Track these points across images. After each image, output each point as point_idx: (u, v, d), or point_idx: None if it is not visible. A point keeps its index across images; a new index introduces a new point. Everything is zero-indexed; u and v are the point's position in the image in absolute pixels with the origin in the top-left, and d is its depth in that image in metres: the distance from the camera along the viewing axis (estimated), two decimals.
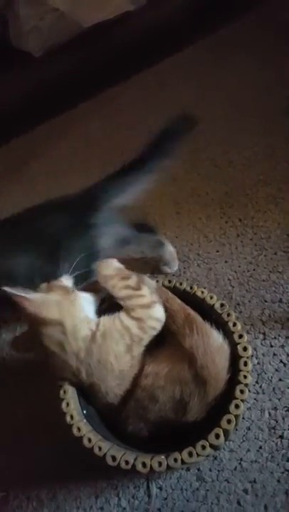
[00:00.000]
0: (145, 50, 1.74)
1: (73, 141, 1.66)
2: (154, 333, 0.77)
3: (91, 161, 1.53)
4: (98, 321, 0.76)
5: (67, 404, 0.77)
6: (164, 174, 0.99)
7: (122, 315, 0.75)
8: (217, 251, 1.12)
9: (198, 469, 0.84)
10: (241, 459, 0.82)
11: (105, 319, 0.76)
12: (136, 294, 0.77)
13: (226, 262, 1.09)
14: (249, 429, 0.84)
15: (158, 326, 0.76)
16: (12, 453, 0.97)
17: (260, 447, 0.82)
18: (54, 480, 0.91)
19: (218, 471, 0.82)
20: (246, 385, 0.71)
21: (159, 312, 0.77)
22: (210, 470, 0.83)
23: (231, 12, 1.71)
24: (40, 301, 0.75)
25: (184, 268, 1.12)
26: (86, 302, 0.80)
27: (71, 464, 0.89)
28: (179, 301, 0.81)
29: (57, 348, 0.74)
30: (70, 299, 0.77)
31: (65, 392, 0.78)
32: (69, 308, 0.76)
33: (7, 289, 0.73)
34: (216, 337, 0.75)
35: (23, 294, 0.73)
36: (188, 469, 0.84)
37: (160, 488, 0.84)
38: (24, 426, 0.99)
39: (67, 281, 0.81)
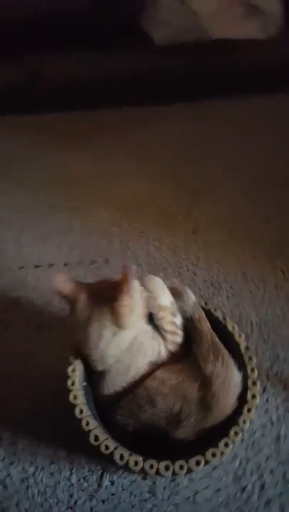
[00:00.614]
0: (259, 78, 1.70)
1: (152, 135, 1.63)
2: None
3: (154, 165, 1.51)
4: (140, 333, 0.76)
5: (73, 370, 0.75)
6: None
7: (162, 344, 0.78)
8: (250, 292, 1.08)
9: (154, 482, 0.80)
10: (197, 492, 0.79)
11: (146, 335, 0.77)
12: (177, 332, 0.78)
13: (254, 305, 1.05)
14: (216, 468, 0.80)
15: None
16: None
17: (219, 489, 0.79)
18: (23, 428, 0.88)
19: (172, 493, 0.79)
20: (242, 430, 0.67)
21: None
22: (164, 488, 0.79)
23: None
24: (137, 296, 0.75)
25: (214, 294, 1.08)
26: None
27: (47, 421, 0.88)
28: (209, 325, 0.78)
29: (99, 340, 0.74)
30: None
31: (74, 358, 0.77)
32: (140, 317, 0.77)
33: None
34: (237, 375, 0.73)
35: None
36: (144, 478, 0.80)
37: (112, 483, 0.81)
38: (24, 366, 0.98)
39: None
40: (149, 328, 0.79)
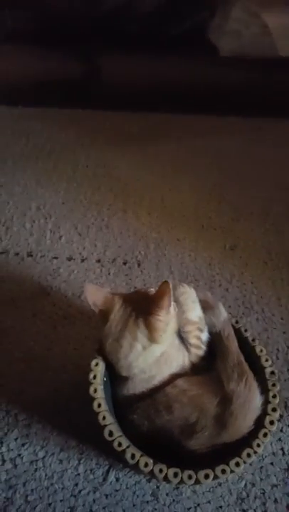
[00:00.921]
0: None
1: (206, 146, 1.67)
2: None
3: (202, 177, 1.56)
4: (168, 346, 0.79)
5: (97, 364, 0.80)
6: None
7: (186, 356, 0.81)
8: (282, 318, 1.11)
9: (158, 487, 0.84)
10: (198, 505, 0.83)
11: (173, 347, 0.80)
12: (201, 347, 0.82)
13: (284, 332, 1.08)
14: (220, 485, 0.84)
15: None
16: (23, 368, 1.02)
17: (221, 507, 0.82)
18: (38, 412, 0.94)
19: (174, 500, 0.83)
20: (255, 452, 0.71)
21: None
22: (167, 494, 0.84)
23: None
24: (173, 312, 0.78)
25: (243, 314, 1.12)
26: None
27: (63, 409, 0.94)
28: (236, 344, 0.81)
29: (129, 351, 0.77)
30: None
31: (98, 352, 0.81)
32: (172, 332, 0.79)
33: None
34: (258, 398, 0.75)
35: None
36: (149, 480, 0.85)
37: (117, 479, 0.85)
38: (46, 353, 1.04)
39: None
40: (176, 341, 0.81)
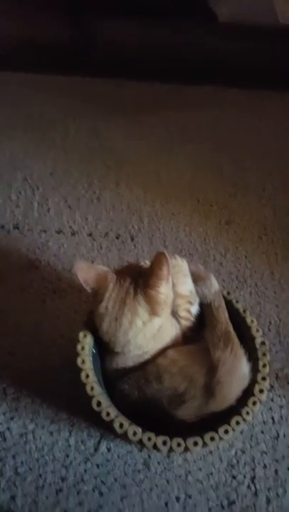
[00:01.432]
0: None
1: (203, 118, 1.70)
2: None
3: (200, 150, 1.58)
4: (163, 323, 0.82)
5: (85, 335, 0.84)
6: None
7: (179, 329, 0.86)
8: (274, 292, 1.16)
9: (149, 456, 0.90)
10: (189, 472, 0.89)
11: (166, 322, 0.83)
12: (190, 319, 0.87)
13: (276, 306, 1.14)
14: (211, 453, 0.91)
15: None
16: None
17: (211, 473, 0.89)
18: (28, 386, 0.99)
19: (165, 468, 0.89)
20: (244, 420, 0.76)
21: None
22: (158, 463, 0.90)
23: None
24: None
25: (237, 288, 1.17)
26: None
27: (52, 382, 0.99)
28: (227, 315, 0.86)
29: (129, 328, 0.79)
30: None
31: (86, 324, 0.85)
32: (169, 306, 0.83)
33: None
34: (245, 365, 0.80)
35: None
36: (140, 450, 0.91)
37: (108, 450, 0.91)
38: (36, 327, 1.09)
39: None
40: (170, 316, 0.85)
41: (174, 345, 0.85)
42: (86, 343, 0.84)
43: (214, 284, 0.90)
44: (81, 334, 0.84)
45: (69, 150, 1.56)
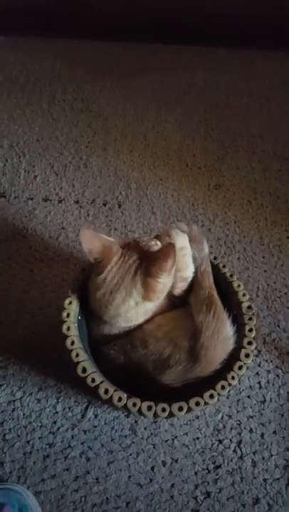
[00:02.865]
0: None
1: (192, 80, 1.65)
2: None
3: (188, 114, 1.54)
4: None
5: (70, 302, 0.81)
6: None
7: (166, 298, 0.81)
8: (263, 257, 1.13)
9: (136, 421, 0.89)
10: (176, 437, 0.88)
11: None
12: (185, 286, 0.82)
13: (265, 271, 1.11)
14: (198, 418, 0.89)
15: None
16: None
17: (198, 438, 0.87)
18: (16, 354, 0.97)
19: (152, 433, 0.88)
20: (230, 385, 0.74)
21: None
22: (145, 428, 0.88)
23: None
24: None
25: (225, 253, 1.13)
26: None
27: (40, 350, 0.97)
28: (211, 279, 0.83)
29: (122, 305, 0.77)
30: None
31: (73, 291, 0.83)
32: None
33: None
34: (228, 329, 0.78)
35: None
36: (127, 416, 0.89)
37: (95, 416, 0.90)
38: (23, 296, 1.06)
39: None
40: None
41: (161, 312, 0.82)
42: (71, 309, 0.81)
43: (205, 249, 0.86)
44: (66, 301, 0.82)
45: (55, 115, 1.50)
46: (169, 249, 0.73)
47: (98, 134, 1.44)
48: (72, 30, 1.72)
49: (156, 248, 0.79)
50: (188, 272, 0.82)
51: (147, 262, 0.75)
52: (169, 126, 1.48)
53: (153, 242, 0.81)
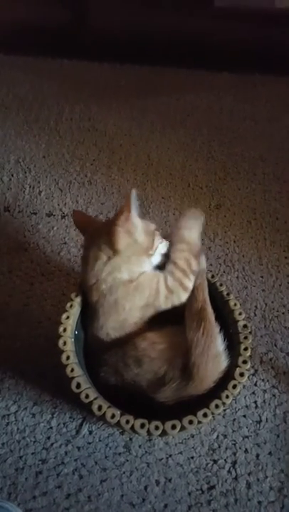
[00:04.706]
0: None
1: (196, 102, 1.66)
2: (169, 307, 0.80)
3: (192, 135, 1.54)
4: (141, 273, 0.78)
5: (67, 317, 0.80)
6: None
7: (162, 279, 0.78)
8: (262, 276, 1.12)
9: (131, 439, 0.86)
10: (170, 456, 0.85)
11: (146, 275, 0.79)
12: (188, 273, 0.79)
13: (263, 290, 1.09)
14: (193, 437, 0.87)
15: (176, 304, 0.80)
16: None
17: (192, 457, 0.85)
18: (12, 367, 0.95)
19: (146, 452, 0.85)
20: (224, 404, 0.72)
21: (185, 298, 0.80)
22: (139, 446, 0.86)
23: None
24: (137, 223, 0.77)
25: (224, 272, 1.12)
26: (157, 252, 0.82)
27: (37, 364, 0.95)
28: (206, 296, 0.80)
29: (95, 261, 0.78)
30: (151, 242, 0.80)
31: (71, 306, 0.81)
32: (140, 250, 0.78)
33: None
34: (219, 345, 0.75)
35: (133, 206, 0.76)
36: (122, 433, 0.87)
37: (90, 432, 0.88)
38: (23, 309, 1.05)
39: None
40: (151, 269, 0.80)
41: (157, 308, 0.79)
42: (68, 324, 0.80)
43: (202, 263, 0.84)
44: (64, 315, 0.81)
45: (62, 133, 1.51)
46: (127, 195, 0.74)
47: (103, 152, 1.44)
48: (81, 51, 1.75)
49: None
50: (191, 235, 0.82)
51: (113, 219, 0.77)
52: (173, 147, 1.48)
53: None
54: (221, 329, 0.77)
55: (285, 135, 1.53)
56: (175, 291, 0.79)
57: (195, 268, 0.81)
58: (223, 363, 0.75)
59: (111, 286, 0.77)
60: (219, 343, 0.76)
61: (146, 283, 0.78)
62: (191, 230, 0.83)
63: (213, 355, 0.74)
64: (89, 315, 0.82)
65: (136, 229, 0.77)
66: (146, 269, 0.80)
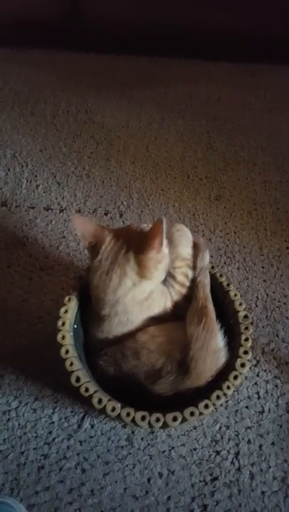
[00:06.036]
0: None
1: (195, 93, 1.64)
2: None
3: (191, 126, 1.53)
4: (152, 290, 0.79)
5: (66, 311, 0.80)
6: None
7: (169, 296, 0.81)
8: (262, 267, 1.12)
9: (133, 432, 0.87)
10: (173, 448, 0.85)
11: (157, 293, 0.80)
12: (186, 284, 0.82)
13: (264, 281, 1.09)
14: (195, 428, 0.87)
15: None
16: None
17: (195, 449, 0.85)
18: (12, 363, 0.96)
19: (148, 444, 0.86)
20: (225, 394, 0.72)
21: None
22: (142, 439, 0.86)
23: None
24: (166, 251, 0.77)
25: (224, 263, 1.12)
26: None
27: (37, 359, 0.95)
28: (207, 291, 0.81)
29: (119, 286, 0.76)
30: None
31: (70, 300, 0.81)
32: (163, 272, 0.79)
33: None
34: (219, 340, 0.76)
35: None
36: (124, 426, 0.87)
37: (92, 426, 0.88)
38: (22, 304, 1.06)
39: None
40: (161, 285, 0.81)
41: (164, 317, 0.80)
42: (67, 318, 0.81)
43: (205, 259, 0.84)
44: (62, 310, 0.81)
45: (59, 126, 1.50)
46: (156, 226, 0.72)
47: (101, 144, 1.44)
48: (77, 43, 1.74)
49: (148, 229, 0.79)
50: (187, 252, 0.82)
51: (139, 240, 0.75)
52: (172, 138, 1.47)
53: (145, 225, 0.82)
54: (221, 320, 0.77)
55: (285, 124, 1.53)
56: (177, 298, 0.82)
57: (191, 276, 0.83)
58: (222, 358, 0.76)
59: (127, 306, 0.77)
60: (219, 340, 0.76)
61: (157, 302, 0.79)
62: (184, 247, 0.83)
63: (212, 351, 0.74)
64: (89, 313, 0.83)
65: (165, 257, 0.77)
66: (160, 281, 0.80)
